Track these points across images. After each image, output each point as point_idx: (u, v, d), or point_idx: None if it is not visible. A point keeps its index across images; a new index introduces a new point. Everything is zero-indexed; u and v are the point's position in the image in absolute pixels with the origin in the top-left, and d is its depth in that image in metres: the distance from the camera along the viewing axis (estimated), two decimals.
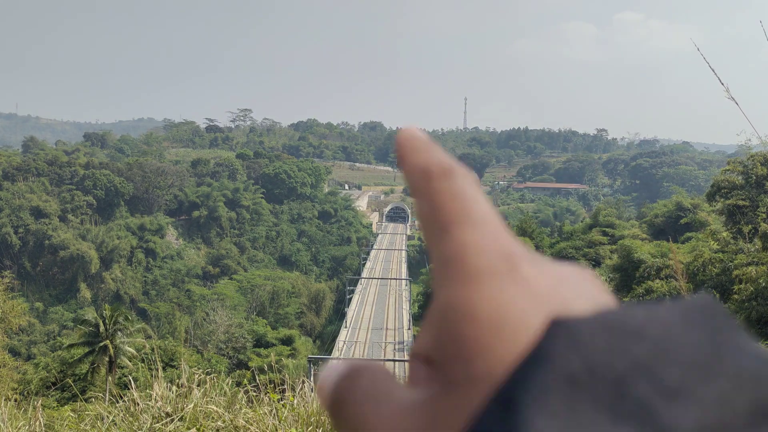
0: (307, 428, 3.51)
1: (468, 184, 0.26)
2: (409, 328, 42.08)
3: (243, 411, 3.71)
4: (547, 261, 0.25)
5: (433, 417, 0.21)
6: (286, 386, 3.91)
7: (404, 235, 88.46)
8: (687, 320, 0.21)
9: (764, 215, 26.71)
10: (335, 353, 34.91)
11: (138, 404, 3.83)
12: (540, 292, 0.23)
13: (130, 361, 28.43)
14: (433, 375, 0.22)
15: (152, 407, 3.76)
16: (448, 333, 0.22)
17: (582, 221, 69.30)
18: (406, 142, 0.30)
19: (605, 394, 0.19)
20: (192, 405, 3.72)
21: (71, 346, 30.37)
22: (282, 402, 3.79)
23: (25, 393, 20.75)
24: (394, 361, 31.73)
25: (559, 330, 0.20)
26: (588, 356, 0.19)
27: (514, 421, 0.18)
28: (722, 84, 2.95)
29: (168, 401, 3.78)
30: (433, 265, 0.25)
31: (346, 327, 42.25)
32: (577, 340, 0.20)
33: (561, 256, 45.48)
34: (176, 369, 4.59)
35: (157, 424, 3.62)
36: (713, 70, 3.01)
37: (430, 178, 0.26)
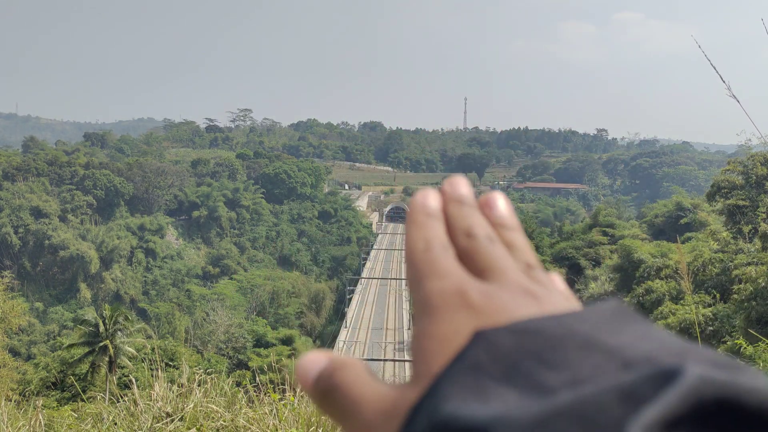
0: (308, 428, 3.51)
1: (440, 253, 0.37)
2: (409, 328, 42.04)
3: (243, 411, 3.71)
4: (503, 285, 0.34)
5: (402, 397, 0.31)
6: (286, 386, 3.90)
7: (404, 235, 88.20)
8: (584, 318, 0.29)
9: (764, 215, 26.71)
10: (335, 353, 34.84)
11: (138, 404, 3.83)
12: (484, 313, 0.32)
13: (130, 361, 28.41)
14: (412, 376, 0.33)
15: (152, 407, 3.75)
16: (417, 348, 0.33)
17: (582, 221, 69.24)
18: (414, 208, 0.39)
19: (500, 372, 0.27)
20: (192, 405, 3.72)
21: (71, 346, 30.32)
22: (282, 402, 3.78)
23: (25, 393, 20.75)
24: (394, 361, 31.77)
25: (476, 338, 0.29)
26: (493, 351, 0.28)
27: (435, 395, 0.28)
28: (723, 81, 2.94)
29: (168, 401, 3.77)
30: (413, 309, 0.36)
31: (346, 327, 42.21)
32: (488, 342, 0.29)
33: (561, 256, 45.45)
34: (176, 369, 4.59)
35: (158, 424, 3.62)
36: (714, 68, 3.00)
37: (414, 250, 0.38)
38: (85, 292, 66.06)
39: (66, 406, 15.73)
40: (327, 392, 0.34)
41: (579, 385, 0.26)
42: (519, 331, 0.29)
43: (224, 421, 3.62)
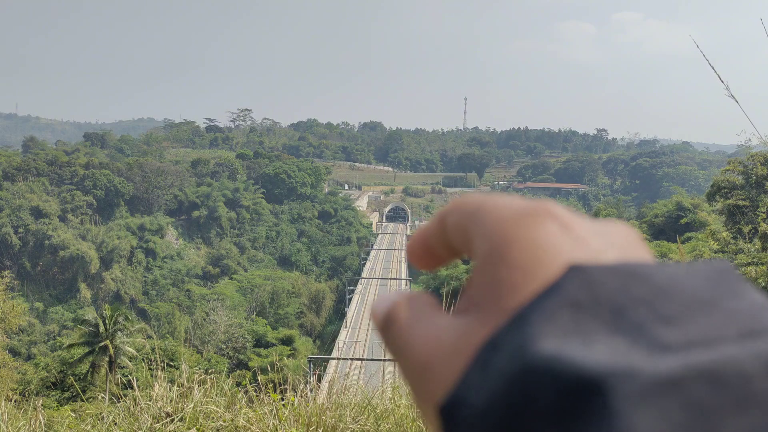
0: (308, 428, 3.51)
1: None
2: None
3: (243, 411, 3.71)
4: (589, 219, 0.28)
5: (465, 333, 0.24)
6: (286, 386, 3.90)
7: (404, 235, 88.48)
8: (694, 273, 0.24)
9: (764, 215, 26.67)
10: (335, 353, 34.87)
11: (138, 404, 3.83)
12: (575, 240, 0.25)
13: (130, 361, 28.44)
14: (473, 310, 0.25)
15: (152, 407, 3.75)
16: (486, 277, 0.25)
17: None
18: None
19: (606, 316, 0.22)
20: (192, 405, 3.72)
21: (71, 346, 30.34)
22: (282, 402, 3.78)
23: (25, 393, 20.75)
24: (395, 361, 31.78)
25: (573, 272, 0.23)
26: (594, 291, 0.22)
27: (524, 330, 0.22)
28: (722, 81, 2.94)
29: (168, 401, 3.78)
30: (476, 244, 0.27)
31: (346, 327, 42.22)
32: (588, 280, 0.23)
33: None
34: (176, 369, 4.59)
35: (158, 424, 3.62)
36: (713, 67, 3.00)
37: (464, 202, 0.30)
38: (85, 292, 66.09)
39: (66, 406, 15.74)
40: (384, 329, 0.29)
41: (706, 346, 0.21)
42: (624, 273, 0.23)
43: (224, 421, 3.62)
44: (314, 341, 53.21)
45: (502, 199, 0.27)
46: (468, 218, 0.28)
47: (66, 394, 24.69)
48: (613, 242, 0.26)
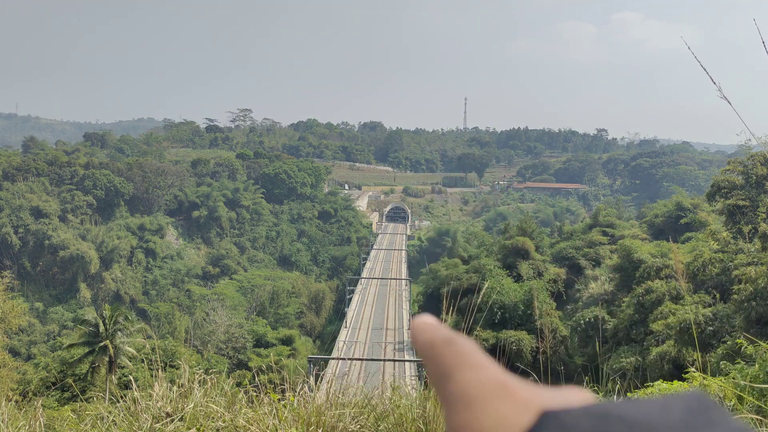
0: (308, 428, 3.51)
1: (466, 346, 0.32)
2: (408, 328, 42.01)
3: (243, 411, 3.71)
4: (542, 387, 0.30)
5: None
6: (286, 386, 3.90)
7: (404, 235, 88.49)
8: (669, 407, 0.25)
9: (764, 215, 26.68)
10: (335, 353, 34.86)
11: (138, 404, 3.83)
12: (534, 405, 0.28)
13: (130, 361, 28.42)
14: None
15: (152, 407, 3.75)
16: None
17: (582, 221, 69.25)
18: (417, 326, 0.35)
19: None
20: (192, 405, 3.72)
21: (71, 346, 30.32)
22: (282, 402, 3.78)
23: (25, 393, 20.75)
24: (394, 361, 31.77)
25: (546, 419, 0.25)
26: None
27: None
28: (714, 83, 2.95)
29: (168, 401, 3.78)
30: (442, 405, 0.31)
31: (346, 327, 42.20)
32: (562, 424, 0.24)
33: (561, 256, 45.43)
34: (176, 369, 4.59)
35: (158, 424, 3.62)
36: (705, 69, 3.00)
37: (434, 345, 0.32)
38: (85, 292, 66.06)
39: (66, 406, 15.74)
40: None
41: None
42: (597, 414, 0.24)
43: (224, 421, 3.62)
44: (314, 341, 53.22)
45: (471, 374, 0.30)
46: (438, 382, 0.31)
47: (66, 394, 24.69)
48: (570, 400, 0.29)
